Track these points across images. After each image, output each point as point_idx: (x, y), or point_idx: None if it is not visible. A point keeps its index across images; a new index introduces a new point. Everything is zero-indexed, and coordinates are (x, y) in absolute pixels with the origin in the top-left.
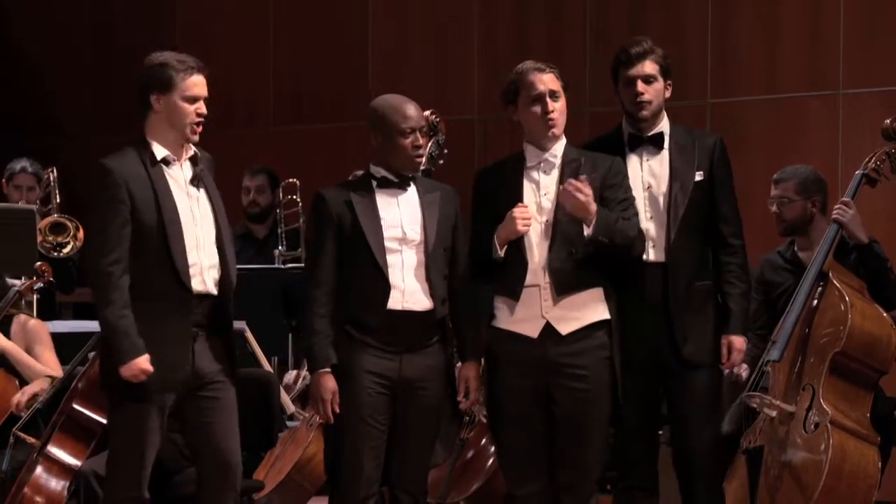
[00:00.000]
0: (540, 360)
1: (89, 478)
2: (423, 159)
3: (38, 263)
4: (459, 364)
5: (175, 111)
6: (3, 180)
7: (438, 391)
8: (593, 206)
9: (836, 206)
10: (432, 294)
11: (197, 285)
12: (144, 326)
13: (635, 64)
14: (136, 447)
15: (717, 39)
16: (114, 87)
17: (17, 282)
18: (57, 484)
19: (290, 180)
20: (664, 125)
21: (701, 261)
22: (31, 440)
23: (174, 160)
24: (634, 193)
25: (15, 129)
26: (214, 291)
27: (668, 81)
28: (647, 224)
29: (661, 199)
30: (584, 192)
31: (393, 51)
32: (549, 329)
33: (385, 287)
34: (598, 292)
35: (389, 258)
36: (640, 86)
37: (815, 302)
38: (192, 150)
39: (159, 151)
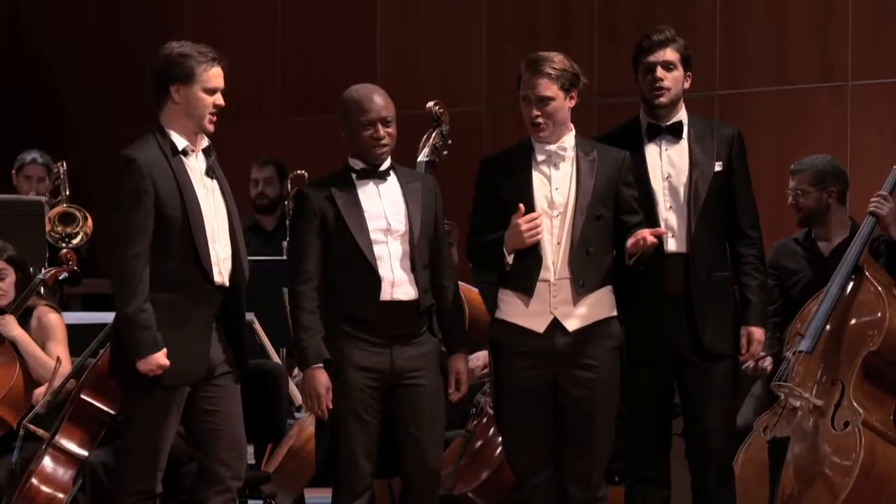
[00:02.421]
0: (547, 351)
1: (96, 467)
2: (386, 150)
3: (64, 251)
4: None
5: (194, 102)
6: (14, 171)
7: (435, 377)
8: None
9: (874, 199)
10: (417, 284)
11: (216, 277)
12: (167, 320)
13: (656, 51)
14: (153, 441)
15: (725, 30)
16: (124, 79)
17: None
18: (65, 474)
19: (299, 172)
20: (682, 115)
21: (719, 252)
22: (42, 433)
23: (191, 151)
24: (653, 183)
25: (24, 123)
26: (227, 283)
27: (689, 73)
28: (667, 214)
29: (682, 190)
30: (651, 241)
31: (401, 42)
32: (555, 323)
33: (376, 279)
34: (607, 290)
35: (376, 249)
36: (660, 72)
37: (845, 295)
38: (205, 140)
39: (179, 142)
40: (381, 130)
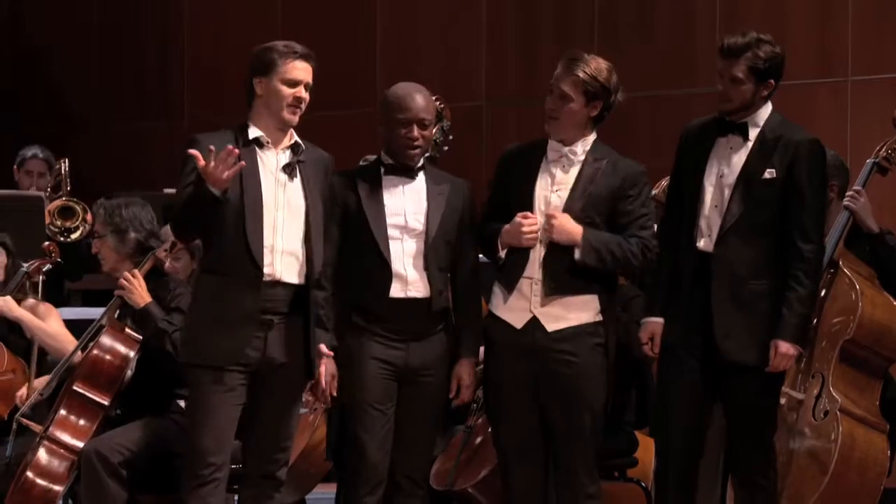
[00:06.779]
0: (527, 347)
1: (91, 457)
2: (418, 152)
3: (46, 244)
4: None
5: (273, 94)
6: (15, 167)
7: (442, 379)
8: (576, 230)
9: (848, 194)
10: (430, 284)
11: (267, 268)
12: (211, 299)
13: (724, 59)
14: (206, 419)
15: (725, 28)
16: (123, 77)
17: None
18: (60, 465)
19: None
20: (758, 115)
21: (759, 260)
22: (35, 427)
23: (268, 143)
24: (706, 179)
25: (24, 120)
26: (293, 280)
27: (768, 81)
28: (710, 213)
29: (727, 191)
30: (555, 217)
31: (401, 38)
32: (535, 321)
33: (387, 274)
34: (591, 299)
35: (391, 245)
36: (724, 82)
37: (824, 290)
38: (294, 138)
39: (253, 132)
40: (416, 131)
